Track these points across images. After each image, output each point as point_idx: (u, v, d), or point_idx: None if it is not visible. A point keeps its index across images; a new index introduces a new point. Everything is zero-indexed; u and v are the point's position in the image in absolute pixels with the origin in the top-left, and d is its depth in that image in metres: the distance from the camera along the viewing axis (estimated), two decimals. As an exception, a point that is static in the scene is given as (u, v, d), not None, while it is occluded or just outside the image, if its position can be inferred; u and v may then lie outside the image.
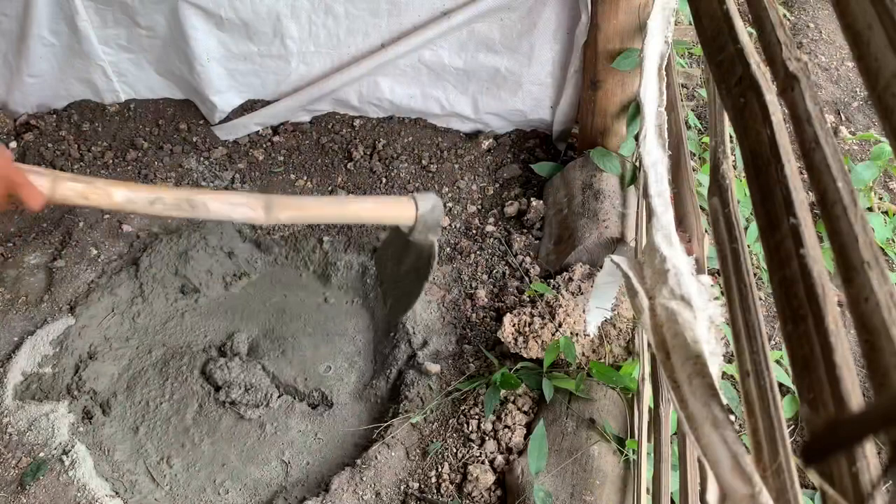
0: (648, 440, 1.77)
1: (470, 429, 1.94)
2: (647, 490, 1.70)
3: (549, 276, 2.30)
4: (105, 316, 2.30)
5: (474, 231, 2.50)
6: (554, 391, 1.94)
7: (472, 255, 2.41)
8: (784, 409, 1.69)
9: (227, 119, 2.82)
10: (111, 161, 2.71)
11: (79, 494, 1.85)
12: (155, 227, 2.53)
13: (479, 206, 2.60)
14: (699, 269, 1.40)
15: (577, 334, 2.00)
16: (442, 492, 1.84)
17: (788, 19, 3.63)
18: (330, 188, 2.67)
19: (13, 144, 2.74)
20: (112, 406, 2.12)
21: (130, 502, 1.89)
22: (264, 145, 2.81)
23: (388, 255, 1.87)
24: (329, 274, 2.41)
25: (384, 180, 2.68)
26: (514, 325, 2.04)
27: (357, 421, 2.09)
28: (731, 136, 1.45)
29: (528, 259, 2.37)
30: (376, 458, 1.88)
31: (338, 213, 1.52)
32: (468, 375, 2.07)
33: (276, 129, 2.86)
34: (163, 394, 2.17)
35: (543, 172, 2.65)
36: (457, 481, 1.85)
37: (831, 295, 0.77)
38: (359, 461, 1.89)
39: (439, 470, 1.88)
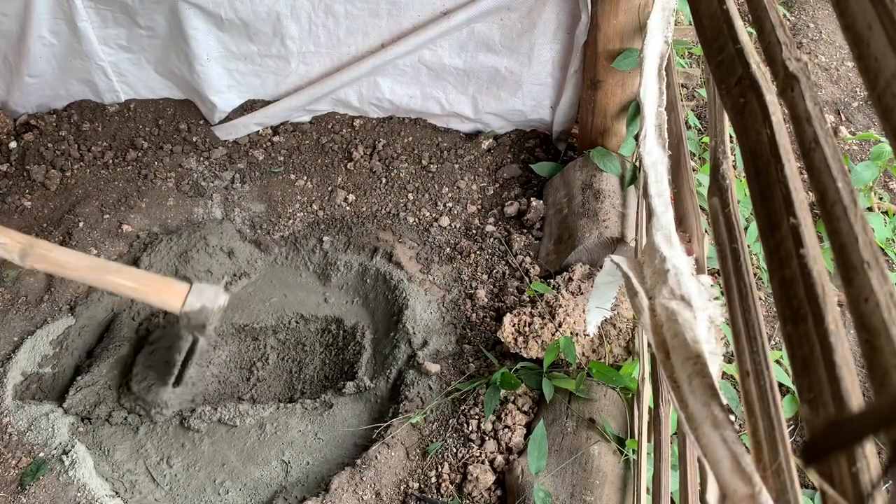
0: (648, 440, 1.77)
1: (470, 429, 1.94)
2: (647, 490, 1.70)
3: (549, 276, 2.30)
4: (105, 316, 2.30)
5: (474, 231, 2.50)
6: (554, 391, 1.94)
7: (472, 255, 2.41)
8: (784, 409, 1.69)
9: (227, 119, 2.82)
10: (111, 161, 2.71)
11: (79, 494, 1.85)
12: (155, 227, 2.53)
13: (479, 206, 2.60)
14: (699, 269, 1.40)
15: (577, 334, 2.00)
16: (442, 492, 1.84)
17: (788, 19, 3.63)
18: (330, 188, 2.67)
19: (13, 144, 2.74)
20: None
21: (130, 502, 1.89)
22: (264, 145, 2.81)
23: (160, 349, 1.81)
24: (329, 274, 2.41)
25: (384, 180, 2.68)
26: (514, 325, 2.04)
27: (357, 421, 2.09)
28: (731, 136, 1.45)
29: (528, 259, 2.37)
30: (376, 458, 1.88)
31: (97, 277, 1.43)
32: (468, 375, 2.07)
33: (276, 129, 2.86)
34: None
35: (543, 172, 2.65)
36: (457, 481, 1.85)
37: (831, 295, 0.77)
38: (359, 461, 1.89)
39: (439, 470, 1.88)
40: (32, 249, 1.29)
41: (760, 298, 2.33)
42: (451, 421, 1.97)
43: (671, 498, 1.56)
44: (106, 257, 2.39)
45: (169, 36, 2.63)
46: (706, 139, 2.85)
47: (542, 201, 2.53)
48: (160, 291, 1.48)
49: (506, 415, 1.94)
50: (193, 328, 1.55)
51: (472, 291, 2.30)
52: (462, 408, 1.99)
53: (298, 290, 2.44)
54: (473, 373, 2.08)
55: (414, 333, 2.20)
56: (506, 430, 1.92)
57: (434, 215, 2.56)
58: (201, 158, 2.76)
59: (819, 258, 0.81)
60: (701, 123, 3.06)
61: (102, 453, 1.99)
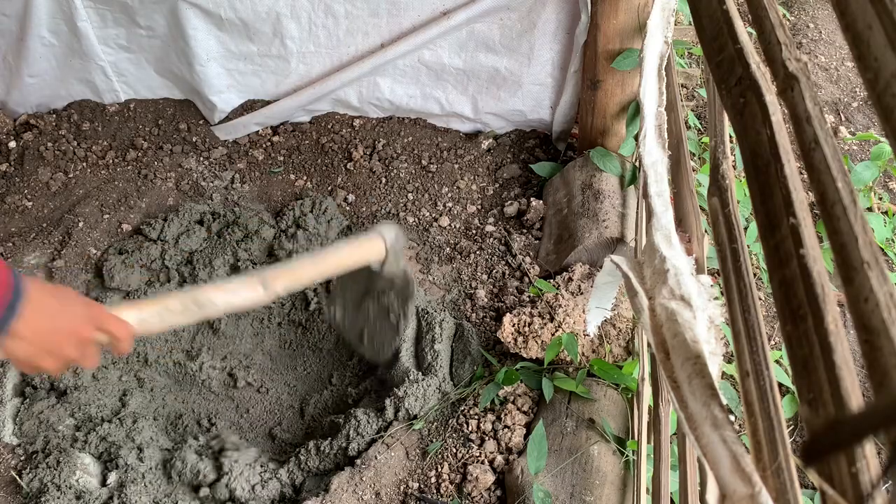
0: (648, 440, 1.77)
1: (470, 429, 1.94)
2: (647, 490, 1.70)
3: (548, 277, 2.30)
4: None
5: (474, 231, 2.50)
6: (554, 391, 1.94)
7: (472, 255, 2.41)
8: (784, 409, 1.69)
9: (227, 119, 2.82)
10: (111, 161, 2.71)
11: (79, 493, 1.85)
12: (155, 227, 2.53)
13: (479, 206, 2.60)
14: (699, 269, 1.40)
15: (576, 334, 2.00)
16: (442, 492, 1.84)
17: (788, 19, 3.63)
18: (330, 188, 2.67)
19: (13, 144, 2.74)
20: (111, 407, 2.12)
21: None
22: (264, 145, 2.81)
23: (352, 300, 1.88)
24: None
25: (384, 180, 2.68)
26: (513, 325, 2.04)
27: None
28: (731, 136, 1.45)
29: (527, 259, 2.37)
30: (376, 458, 1.88)
31: (323, 268, 1.54)
32: (469, 378, 2.07)
33: (275, 129, 2.86)
34: (163, 389, 2.17)
35: (543, 172, 2.65)
36: (456, 481, 1.85)
37: (831, 295, 0.77)
38: (359, 461, 1.89)
39: (439, 470, 1.88)
40: (266, 277, 1.42)
41: (760, 298, 2.33)
42: (450, 421, 1.97)
43: (671, 498, 1.56)
44: (106, 257, 2.39)
45: (169, 36, 2.63)
46: (706, 139, 2.85)
47: (541, 201, 2.53)
48: (368, 246, 1.62)
49: (505, 415, 1.94)
50: (398, 257, 1.66)
51: (472, 291, 2.30)
52: (462, 408, 1.99)
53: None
54: (473, 373, 2.08)
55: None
56: (505, 430, 1.92)
57: (434, 215, 2.56)
58: (201, 158, 2.76)
59: (819, 258, 0.81)
60: (701, 123, 3.06)
61: (102, 453, 1.99)
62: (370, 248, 1.62)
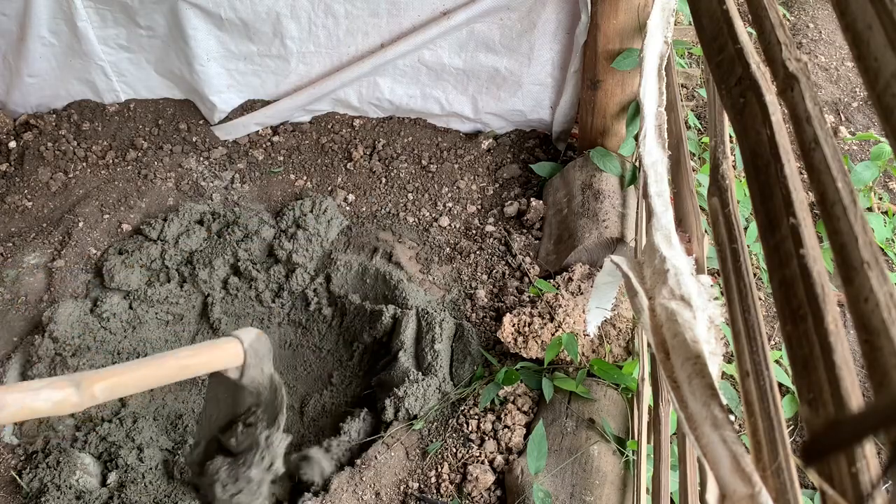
0: (648, 440, 1.77)
1: (469, 429, 1.94)
2: (647, 490, 1.70)
3: (548, 277, 2.30)
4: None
5: (474, 231, 2.50)
6: (554, 391, 1.94)
7: (472, 255, 2.41)
8: (784, 409, 1.69)
9: (227, 119, 2.82)
10: (111, 161, 2.71)
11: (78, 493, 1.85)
12: (155, 227, 2.53)
13: (479, 206, 2.60)
14: (699, 269, 1.40)
15: (576, 334, 2.00)
16: (442, 492, 1.84)
17: (788, 19, 3.63)
18: (330, 188, 2.67)
19: (13, 144, 2.74)
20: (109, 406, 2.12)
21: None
22: (264, 145, 2.81)
23: (217, 417, 1.58)
24: (329, 274, 2.41)
25: (384, 180, 2.68)
26: (513, 325, 2.04)
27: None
28: (731, 136, 1.45)
29: (527, 259, 2.37)
30: (376, 458, 1.88)
31: (159, 371, 1.31)
32: (469, 378, 2.07)
33: (275, 129, 2.86)
34: (164, 389, 2.17)
35: (543, 172, 2.65)
36: (456, 481, 1.85)
37: (831, 295, 0.77)
38: (359, 461, 1.89)
39: (439, 470, 1.88)
40: (81, 379, 1.23)
41: (760, 298, 2.33)
42: (450, 421, 1.97)
43: (671, 498, 1.56)
44: (106, 257, 2.39)
45: (169, 36, 2.63)
46: (706, 139, 2.85)
47: (541, 201, 2.53)
48: (219, 349, 1.40)
49: (505, 415, 1.94)
50: (263, 361, 1.44)
51: (472, 291, 2.30)
52: (461, 408, 1.99)
53: (298, 290, 2.44)
54: (473, 373, 2.08)
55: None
56: (505, 430, 1.92)
57: (434, 215, 2.56)
58: (201, 158, 2.76)
59: (819, 258, 0.81)
60: (701, 123, 3.06)
61: (102, 453, 1.99)
62: (222, 352, 1.39)
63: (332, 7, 2.51)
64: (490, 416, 1.95)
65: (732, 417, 0.95)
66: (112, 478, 1.89)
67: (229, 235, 2.43)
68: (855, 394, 0.69)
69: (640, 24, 2.23)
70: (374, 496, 1.83)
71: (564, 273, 2.25)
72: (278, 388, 1.47)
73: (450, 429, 1.95)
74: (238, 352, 1.40)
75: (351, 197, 2.63)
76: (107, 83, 2.79)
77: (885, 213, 2.74)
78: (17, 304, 2.27)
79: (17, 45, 2.60)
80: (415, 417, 1.96)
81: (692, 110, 3.13)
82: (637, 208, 2.25)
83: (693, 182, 1.81)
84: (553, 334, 2.00)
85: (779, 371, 2.19)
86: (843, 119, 3.21)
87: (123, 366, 1.30)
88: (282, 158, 2.78)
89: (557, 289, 2.18)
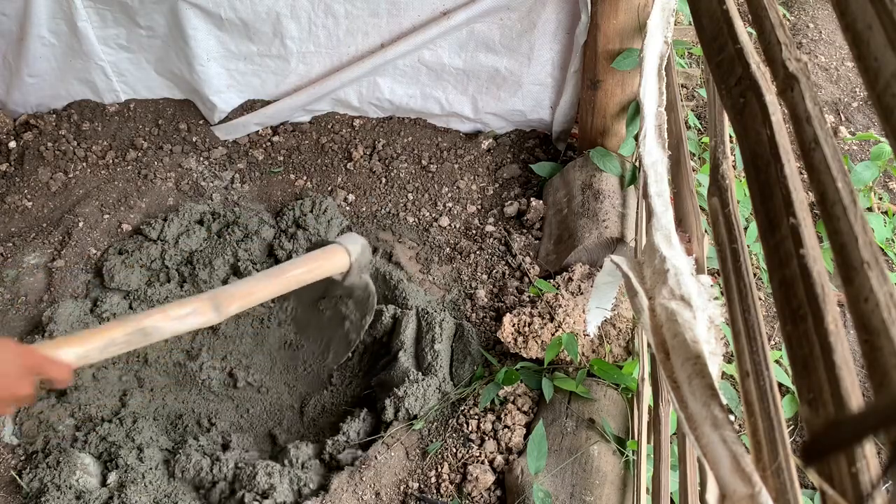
0: (648, 440, 1.77)
1: (469, 429, 1.94)
2: (647, 490, 1.70)
3: (548, 277, 2.30)
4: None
5: (474, 231, 2.50)
6: (554, 391, 1.94)
7: (472, 255, 2.41)
8: (784, 409, 1.69)
9: (227, 119, 2.82)
10: (111, 161, 2.71)
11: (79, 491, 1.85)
12: (155, 227, 2.53)
13: (479, 206, 2.60)
14: (699, 269, 1.40)
15: (576, 334, 2.00)
16: (442, 492, 1.84)
17: (788, 19, 3.63)
18: (330, 188, 2.67)
19: (13, 144, 2.75)
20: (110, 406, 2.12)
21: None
22: (264, 145, 2.81)
23: (314, 309, 1.80)
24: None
25: (384, 180, 2.68)
26: (513, 325, 2.04)
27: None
28: (731, 136, 1.45)
29: (527, 259, 2.37)
30: (376, 458, 1.88)
31: (281, 284, 1.46)
32: (469, 378, 2.07)
33: (275, 129, 2.86)
34: (164, 389, 2.16)
35: (543, 172, 2.65)
36: (456, 481, 1.85)
37: (831, 295, 0.77)
38: (358, 461, 1.89)
39: (439, 470, 1.88)
40: (218, 299, 1.34)
41: (760, 298, 2.33)
42: (450, 421, 1.97)
43: (671, 498, 1.56)
44: (106, 257, 2.39)
45: (169, 36, 2.63)
46: (706, 139, 2.85)
47: (541, 201, 2.53)
48: (330, 258, 1.56)
49: (506, 415, 1.94)
50: (363, 270, 1.61)
51: (472, 291, 2.30)
52: (462, 408, 1.99)
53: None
54: (473, 373, 2.08)
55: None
56: (505, 430, 1.92)
57: (434, 215, 2.56)
58: (201, 158, 2.76)
59: (819, 258, 0.81)
60: (701, 123, 3.06)
61: (102, 454, 1.99)
62: (333, 261, 1.55)
63: (332, 7, 2.51)
64: (490, 416, 1.95)
65: (732, 417, 0.95)
66: (112, 478, 1.89)
67: (229, 235, 2.43)
68: (855, 394, 0.69)
69: (640, 24, 2.23)
70: (374, 496, 1.83)
71: (564, 273, 2.25)
72: (371, 293, 1.69)
73: (450, 429, 1.95)
74: (345, 261, 1.57)
75: (351, 197, 2.63)
76: (107, 83, 2.79)
77: (885, 213, 2.74)
78: (17, 304, 2.27)
79: (17, 45, 2.60)
80: (415, 417, 1.96)
81: (692, 110, 3.13)
82: (637, 208, 2.25)
83: (693, 182, 1.81)
84: (553, 334, 2.00)
85: (779, 371, 2.19)
86: (843, 119, 3.21)
87: (250, 281, 1.46)
88: (282, 158, 2.78)
89: (557, 289, 2.18)
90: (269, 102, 2.81)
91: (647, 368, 1.87)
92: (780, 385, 2.15)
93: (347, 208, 2.60)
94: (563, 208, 2.43)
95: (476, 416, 1.96)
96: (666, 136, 1.66)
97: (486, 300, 2.27)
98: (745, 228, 2.26)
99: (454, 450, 1.91)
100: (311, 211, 2.49)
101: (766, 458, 0.87)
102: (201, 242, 2.44)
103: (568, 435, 1.85)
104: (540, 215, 2.49)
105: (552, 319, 2.03)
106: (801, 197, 0.89)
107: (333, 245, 1.58)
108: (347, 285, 1.62)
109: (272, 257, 2.43)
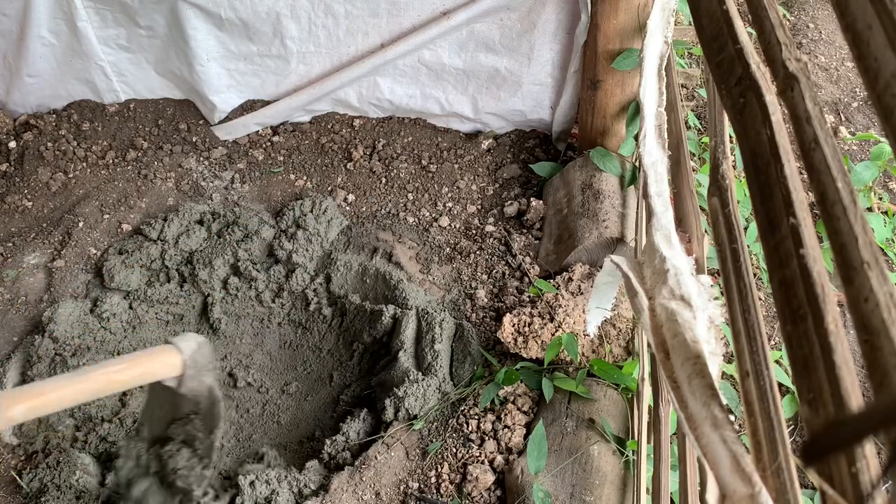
0: (648, 440, 1.77)
1: (469, 429, 1.94)
2: (647, 490, 1.70)
3: (548, 277, 2.30)
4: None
5: (474, 231, 2.50)
6: (554, 391, 1.94)
7: (472, 255, 2.41)
8: (784, 409, 1.69)
9: (227, 119, 2.82)
10: (111, 161, 2.71)
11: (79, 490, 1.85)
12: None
13: (479, 206, 2.60)
14: (699, 269, 1.40)
15: (576, 334, 2.00)
16: (442, 492, 1.84)
17: (788, 19, 3.63)
18: (330, 188, 2.67)
19: (13, 144, 2.75)
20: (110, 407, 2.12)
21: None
22: (264, 145, 2.81)
23: (155, 423, 1.54)
24: (329, 274, 2.41)
25: (384, 180, 2.68)
26: (513, 325, 2.04)
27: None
28: (731, 136, 1.45)
29: (527, 259, 2.37)
30: (376, 458, 1.88)
31: (88, 387, 1.23)
32: (469, 378, 2.07)
33: (275, 129, 2.86)
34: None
35: (543, 172, 2.65)
36: (456, 481, 1.85)
37: (831, 295, 0.77)
38: (358, 461, 1.89)
39: (439, 470, 1.88)
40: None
41: (760, 298, 2.33)
42: (450, 421, 1.97)
43: (671, 498, 1.56)
44: (106, 257, 2.39)
45: (169, 36, 2.63)
46: (706, 139, 2.85)
47: (541, 201, 2.53)
48: (154, 359, 1.32)
49: (505, 415, 1.94)
50: (202, 372, 1.37)
51: (472, 291, 2.30)
52: (461, 408, 1.99)
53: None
54: (473, 373, 2.08)
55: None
56: (505, 430, 1.92)
57: (434, 215, 2.56)
58: (201, 158, 2.76)
59: (819, 258, 0.81)
60: (701, 123, 3.06)
61: (102, 453, 1.99)
62: (161, 362, 1.32)
63: (332, 7, 2.51)
64: (490, 416, 1.95)
65: (732, 417, 0.95)
66: (112, 478, 1.89)
67: (229, 235, 2.43)
68: (855, 394, 0.69)
69: (640, 24, 2.23)
70: (374, 496, 1.83)
71: (564, 273, 2.25)
72: (217, 400, 1.41)
73: (450, 429, 1.95)
74: (176, 362, 1.33)
75: (351, 197, 2.63)
76: (107, 83, 2.79)
77: (885, 213, 2.74)
78: (17, 304, 2.27)
79: (17, 45, 2.60)
80: (415, 417, 1.96)
81: (692, 110, 3.13)
82: (637, 208, 2.25)
83: (693, 182, 1.81)
84: (553, 334, 2.00)
85: (779, 371, 2.19)
86: (843, 119, 3.21)
87: (46, 383, 1.21)
88: (282, 158, 2.78)
89: (557, 289, 2.18)
90: (269, 102, 2.81)
91: (647, 368, 1.87)
92: (780, 385, 2.15)
93: (347, 208, 2.60)
94: (563, 208, 2.43)
95: (476, 416, 1.96)
96: (666, 136, 1.66)
97: (486, 300, 2.27)
98: (745, 228, 2.26)
99: (454, 450, 1.91)
100: (311, 211, 2.49)
101: (766, 458, 0.87)
102: (201, 242, 2.44)
103: (568, 435, 1.85)
104: (540, 215, 2.49)
105: (552, 319, 2.03)
106: (801, 197, 0.89)
107: (162, 345, 1.35)
108: (185, 393, 1.37)
109: (272, 257, 2.43)
